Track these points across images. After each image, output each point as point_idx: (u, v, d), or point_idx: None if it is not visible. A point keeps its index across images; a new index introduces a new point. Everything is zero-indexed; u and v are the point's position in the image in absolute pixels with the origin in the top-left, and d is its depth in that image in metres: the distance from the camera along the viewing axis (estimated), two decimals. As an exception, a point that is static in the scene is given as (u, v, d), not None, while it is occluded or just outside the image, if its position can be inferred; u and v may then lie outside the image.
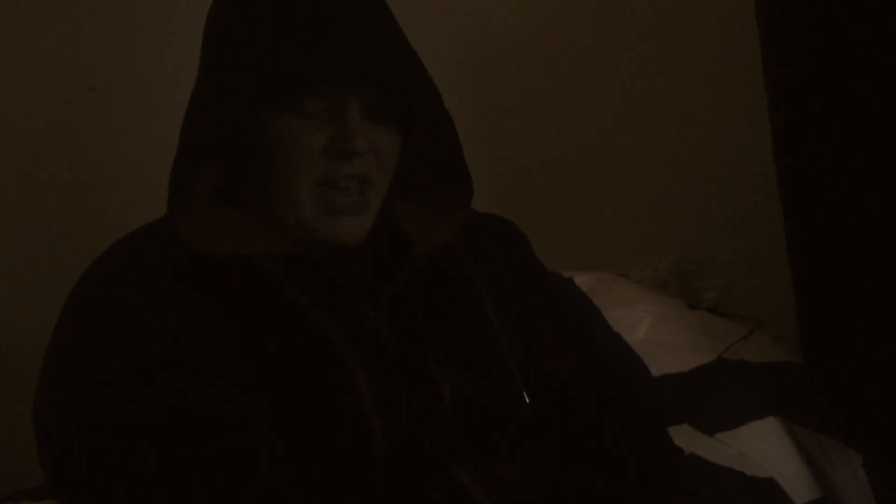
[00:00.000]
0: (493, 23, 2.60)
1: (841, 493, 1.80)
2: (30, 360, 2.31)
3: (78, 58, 2.41)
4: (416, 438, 1.14)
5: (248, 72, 1.14)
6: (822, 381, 2.04)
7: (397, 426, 1.12)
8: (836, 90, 1.93)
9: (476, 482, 1.13)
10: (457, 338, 1.22)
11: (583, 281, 2.25)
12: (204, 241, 1.15)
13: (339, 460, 1.10)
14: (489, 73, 2.58)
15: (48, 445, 1.12)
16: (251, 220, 1.19)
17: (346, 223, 1.17)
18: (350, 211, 1.17)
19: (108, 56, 2.42)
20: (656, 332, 2.10)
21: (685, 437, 1.77)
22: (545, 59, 2.62)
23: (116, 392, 1.08)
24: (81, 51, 2.41)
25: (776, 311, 2.32)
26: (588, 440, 1.27)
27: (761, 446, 1.84)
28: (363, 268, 1.22)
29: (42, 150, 2.41)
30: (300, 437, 1.09)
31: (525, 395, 1.23)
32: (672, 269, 2.55)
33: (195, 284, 1.13)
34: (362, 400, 1.11)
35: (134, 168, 2.45)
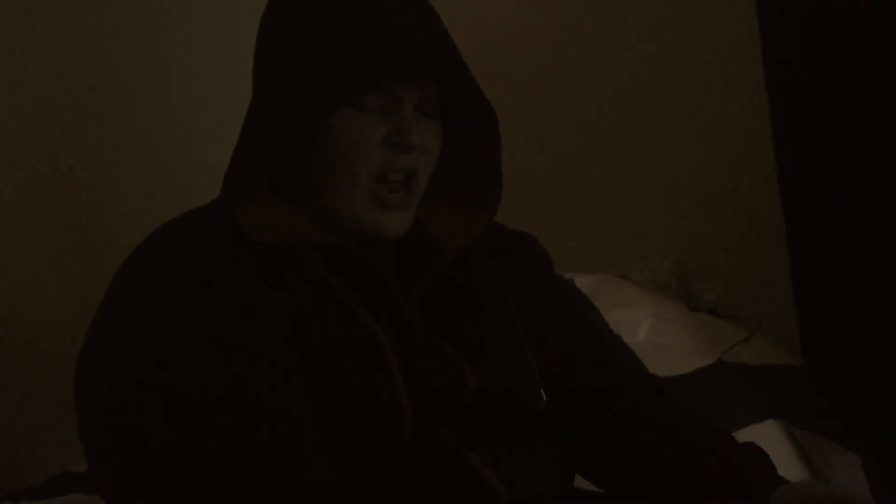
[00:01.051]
0: (492, 22, 2.60)
1: (840, 496, 1.80)
2: (28, 359, 2.32)
3: (77, 57, 2.41)
4: (438, 426, 1.18)
5: (314, 74, 1.18)
6: (822, 384, 2.04)
7: (426, 412, 1.17)
8: (837, 91, 1.93)
9: (493, 471, 1.17)
10: (480, 332, 1.26)
11: (583, 282, 2.25)
12: (253, 227, 1.20)
13: (369, 443, 1.15)
14: (489, 72, 2.57)
15: (91, 416, 1.16)
16: (300, 211, 1.24)
17: (393, 218, 1.22)
18: (398, 206, 1.22)
19: (108, 55, 2.42)
20: (656, 334, 2.10)
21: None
22: (545, 58, 2.62)
23: (161, 361, 1.13)
24: (81, 50, 2.41)
25: (776, 313, 2.31)
26: (635, 437, 1.29)
27: (761, 448, 1.83)
28: (393, 262, 1.27)
29: (41, 149, 2.41)
30: (334, 419, 1.14)
31: (542, 393, 1.27)
32: (672, 271, 2.55)
33: (241, 267, 1.18)
34: (394, 379, 1.16)
35: (133, 167, 2.45)
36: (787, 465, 1.82)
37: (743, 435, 1.85)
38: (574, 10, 2.63)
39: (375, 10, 1.19)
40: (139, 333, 1.15)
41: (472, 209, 1.31)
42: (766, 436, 1.87)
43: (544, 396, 1.28)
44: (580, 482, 1.35)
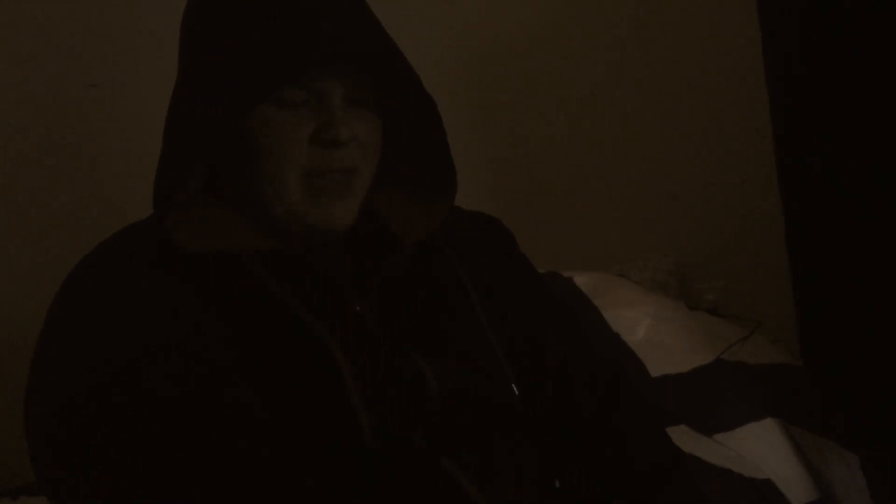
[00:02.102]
0: (491, 20, 2.60)
1: (839, 495, 1.80)
2: (28, 356, 2.32)
3: (78, 54, 2.40)
4: (406, 431, 1.13)
5: (233, 67, 1.12)
6: (820, 383, 2.04)
7: (385, 419, 1.12)
8: (837, 90, 1.93)
9: (467, 474, 1.13)
10: (443, 331, 1.21)
11: (583, 281, 2.24)
12: (189, 239, 1.15)
13: (330, 455, 1.10)
14: (488, 71, 2.58)
15: (39, 443, 1.13)
16: (236, 217, 1.18)
17: (334, 208, 1.16)
18: (338, 196, 1.16)
19: (108, 52, 2.42)
20: (655, 333, 2.10)
21: (683, 438, 1.77)
22: (546, 57, 2.62)
23: (104, 383, 1.08)
24: (81, 47, 2.41)
25: (776, 313, 2.32)
26: (589, 439, 1.27)
27: (759, 448, 1.83)
28: (346, 261, 1.22)
29: (42, 146, 2.41)
30: (290, 431, 1.09)
31: (514, 388, 1.22)
32: (672, 270, 2.55)
33: (182, 280, 1.13)
34: (349, 393, 1.11)
35: (134, 164, 2.44)
36: (785, 463, 1.82)
37: (741, 434, 1.86)
38: (574, 9, 2.63)
39: (295, 1, 1.13)
40: (77, 361, 1.10)
41: (430, 199, 1.25)
42: (765, 434, 1.87)
43: (516, 391, 1.22)
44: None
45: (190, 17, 1.20)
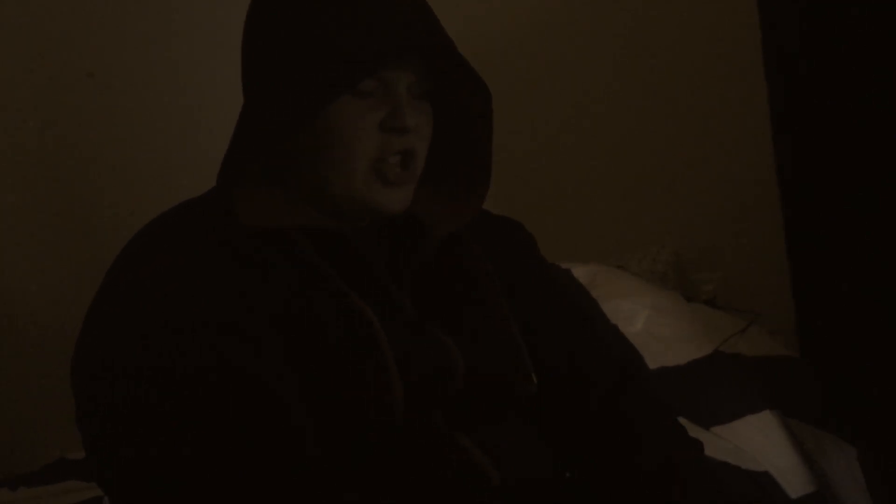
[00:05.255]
0: (490, 13, 2.59)
1: (836, 487, 1.81)
2: (26, 348, 2.32)
3: (76, 43, 2.40)
4: (429, 408, 1.19)
5: (313, 61, 1.18)
6: (818, 375, 2.04)
7: (416, 392, 1.17)
8: (836, 82, 1.93)
9: (483, 450, 1.18)
10: (470, 317, 1.27)
11: (581, 273, 2.25)
12: (247, 213, 1.21)
13: (362, 427, 1.16)
14: (488, 63, 2.57)
15: (88, 400, 1.16)
16: (294, 197, 1.25)
17: (396, 193, 1.23)
18: (401, 182, 1.23)
19: (107, 42, 2.41)
20: (653, 325, 2.10)
21: (681, 430, 1.77)
22: (544, 49, 2.62)
23: (154, 347, 1.13)
24: (80, 36, 2.40)
25: (774, 305, 2.32)
26: (603, 426, 1.31)
27: (757, 440, 1.84)
28: (384, 248, 1.28)
29: (41, 136, 2.41)
30: (326, 403, 1.15)
31: (534, 377, 1.28)
32: (670, 262, 2.56)
33: (236, 253, 1.19)
34: (387, 363, 1.16)
35: (133, 153, 2.45)
36: (783, 455, 1.83)
37: (739, 425, 1.86)
38: (574, 2, 2.62)
39: None
40: (132, 322, 1.15)
41: (461, 196, 1.31)
42: (762, 426, 1.87)
43: (535, 380, 1.28)
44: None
45: (261, 14, 1.25)
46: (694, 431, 1.82)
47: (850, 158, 1.94)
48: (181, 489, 1.11)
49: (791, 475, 1.80)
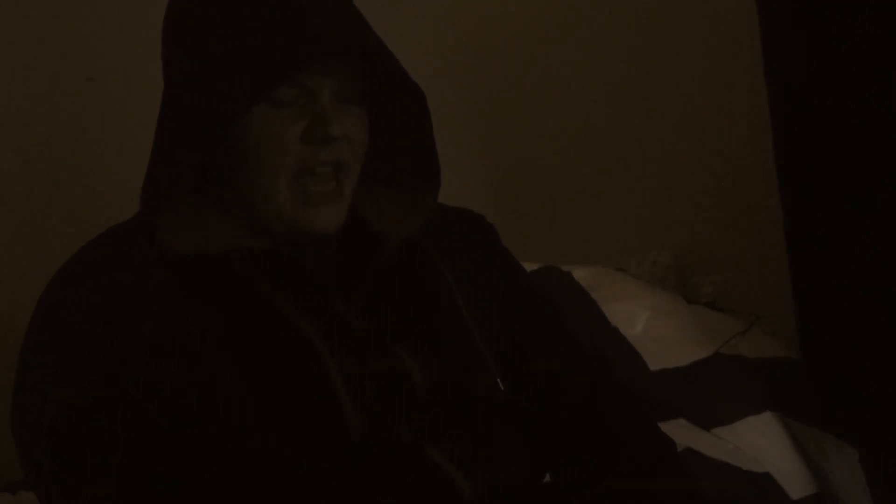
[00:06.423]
0: (488, 17, 2.59)
1: (837, 489, 1.80)
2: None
3: (76, 48, 2.40)
4: (391, 424, 1.14)
5: (226, 69, 1.12)
6: (819, 377, 2.04)
7: (371, 413, 1.13)
8: (836, 85, 1.93)
9: (452, 462, 1.14)
10: (428, 327, 1.22)
11: (581, 275, 2.24)
12: (178, 240, 1.15)
13: (317, 448, 1.11)
14: (488, 66, 2.57)
15: (32, 443, 1.13)
16: (224, 218, 1.19)
17: (323, 213, 1.17)
18: (327, 201, 1.17)
19: (106, 46, 2.41)
20: (654, 327, 2.10)
21: (682, 432, 1.77)
22: (544, 53, 2.62)
23: (93, 390, 1.09)
24: (79, 41, 2.40)
25: (774, 307, 2.31)
26: (578, 428, 1.28)
27: (758, 441, 1.84)
28: (331, 260, 1.22)
29: (40, 140, 2.41)
30: (280, 429, 1.10)
31: (499, 382, 1.24)
32: (670, 264, 2.55)
33: (172, 281, 1.14)
34: (337, 391, 1.12)
35: (132, 158, 2.43)
36: (784, 456, 1.82)
37: (740, 427, 1.86)
38: (574, 4, 2.63)
39: (280, 1, 1.13)
40: (66, 365, 1.11)
41: (413, 196, 1.26)
42: (763, 428, 1.87)
43: (501, 386, 1.23)
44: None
45: (174, 21, 1.21)
46: (694, 432, 1.83)
47: (850, 159, 1.93)
48: None
49: (792, 477, 1.80)
